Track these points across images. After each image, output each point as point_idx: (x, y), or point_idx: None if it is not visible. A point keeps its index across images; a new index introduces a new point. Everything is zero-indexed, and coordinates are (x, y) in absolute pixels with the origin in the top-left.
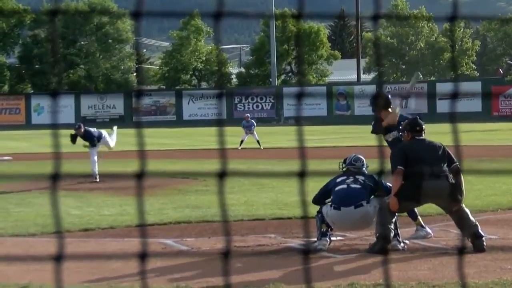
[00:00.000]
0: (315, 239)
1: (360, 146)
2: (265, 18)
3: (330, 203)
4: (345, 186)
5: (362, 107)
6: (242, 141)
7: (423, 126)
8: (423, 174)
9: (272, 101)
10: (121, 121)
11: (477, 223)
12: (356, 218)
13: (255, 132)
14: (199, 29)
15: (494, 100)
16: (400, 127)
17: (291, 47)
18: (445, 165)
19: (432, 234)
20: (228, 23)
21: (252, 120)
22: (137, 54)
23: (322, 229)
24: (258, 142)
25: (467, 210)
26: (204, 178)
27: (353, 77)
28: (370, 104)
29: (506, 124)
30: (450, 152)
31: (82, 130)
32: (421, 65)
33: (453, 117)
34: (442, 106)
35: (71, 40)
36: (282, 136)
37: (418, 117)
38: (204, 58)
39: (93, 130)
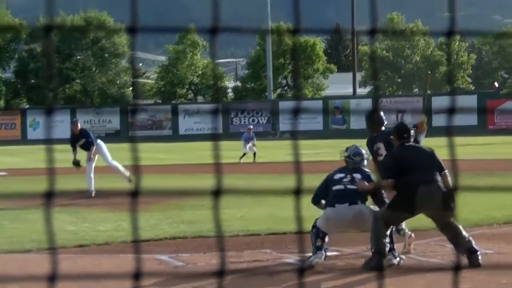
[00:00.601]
0: (311, 254)
1: None
2: (261, 33)
3: (325, 205)
4: (342, 186)
5: (358, 121)
6: (244, 154)
7: (411, 132)
8: (416, 183)
9: (268, 115)
10: (117, 136)
11: (470, 238)
12: (350, 215)
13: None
14: (195, 43)
15: (489, 114)
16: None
17: (287, 61)
18: (437, 172)
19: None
20: (224, 37)
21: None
22: (133, 69)
23: (318, 244)
24: (254, 154)
25: (460, 226)
26: (199, 194)
27: (349, 91)
28: (366, 122)
29: (502, 137)
30: (439, 159)
31: (79, 127)
32: (416, 79)
33: (449, 131)
34: (438, 120)
35: (67, 54)
36: (278, 150)
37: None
38: (200, 72)
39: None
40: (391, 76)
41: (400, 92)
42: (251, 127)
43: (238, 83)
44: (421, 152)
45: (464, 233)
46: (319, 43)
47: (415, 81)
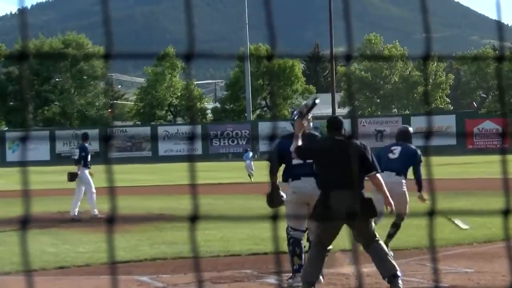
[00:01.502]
0: (290, 274)
1: None
2: (237, 59)
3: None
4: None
5: None
6: (250, 174)
7: (341, 124)
8: (327, 186)
9: (248, 136)
10: (97, 158)
11: (395, 264)
12: (313, 187)
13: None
14: (174, 65)
15: (468, 134)
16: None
17: (266, 82)
18: (358, 171)
19: None
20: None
21: None
22: (111, 91)
23: (295, 266)
24: (251, 174)
25: (385, 247)
26: (180, 214)
27: (328, 111)
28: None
29: (481, 157)
30: (373, 157)
31: (87, 143)
32: (395, 99)
33: (426, 151)
34: (417, 140)
35: (45, 77)
36: (258, 171)
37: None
38: (179, 94)
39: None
40: (370, 96)
41: (379, 113)
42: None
43: (217, 104)
44: (344, 148)
45: (389, 256)
46: (298, 64)
47: (394, 102)
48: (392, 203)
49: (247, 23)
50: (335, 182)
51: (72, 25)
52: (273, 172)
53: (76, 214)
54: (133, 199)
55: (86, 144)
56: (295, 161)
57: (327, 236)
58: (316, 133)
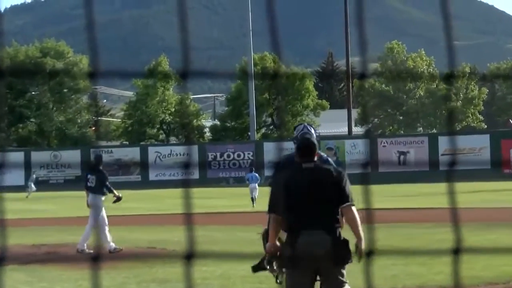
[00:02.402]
0: None
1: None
2: (238, 77)
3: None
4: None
5: (355, 165)
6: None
7: (313, 149)
8: (296, 227)
9: (251, 158)
10: (78, 183)
11: None
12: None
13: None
14: (167, 76)
15: (504, 156)
16: None
17: (273, 96)
18: (332, 206)
19: None
20: (200, 68)
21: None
22: (95, 106)
23: None
24: (254, 199)
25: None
26: (173, 248)
27: (344, 130)
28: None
29: None
30: (348, 186)
31: (101, 166)
32: (421, 116)
33: (450, 176)
34: (446, 162)
35: (20, 90)
36: (263, 199)
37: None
38: (173, 109)
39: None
40: (392, 113)
41: (402, 132)
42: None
43: (217, 122)
44: (312, 177)
45: None
46: (309, 76)
47: (419, 119)
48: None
49: (250, 29)
50: (304, 221)
51: (50, 30)
52: (273, 210)
53: (85, 248)
54: (120, 230)
55: (101, 167)
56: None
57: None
58: (330, 161)
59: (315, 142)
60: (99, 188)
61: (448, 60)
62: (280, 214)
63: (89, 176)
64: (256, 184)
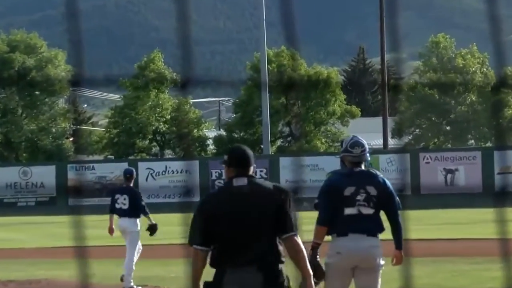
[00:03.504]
0: None
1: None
2: (247, 86)
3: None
4: (355, 211)
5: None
6: None
7: (247, 160)
8: (223, 264)
9: (265, 176)
10: (52, 206)
11: None
12: (366, 247)
13: None
14: (162, 76)
15: None
16: None
17: (291, 101)
18: (268, 235)
19: None
20: (203, 63)
21: None
22: (74, 112)
23: None
24: None
25: None
26: (168, 286)
27: (379, 142)
28: None
29: None
30: (292, 210)
31: (132, 182)
32: (472, 126)
33: (504, 199)
34: (502, 183)
35: None
36: None
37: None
38: (168, 117)
39: None
40: (437, 122)
41: (449, 145)
42: None
43: (222, 132)
44: (244, 197)
45: None
46: (336, 76)
47: (470, 130)
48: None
49: (264, 19)
50: (232, 254)
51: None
52: (320, 223)
53: (132, 285)
54: (104, 263)
55: (131, 185)
56: (349, 210)
57: None
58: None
59: (250, 151)
60: (135, 210)
61: (496, 59)
62: (203, 246)
63: (117, 196)
64: None
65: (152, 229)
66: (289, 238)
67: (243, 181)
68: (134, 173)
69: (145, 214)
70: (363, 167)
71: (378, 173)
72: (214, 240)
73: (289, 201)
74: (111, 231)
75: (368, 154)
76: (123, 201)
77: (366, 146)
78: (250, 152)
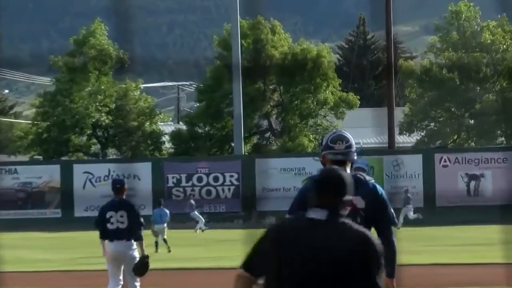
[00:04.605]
0: None
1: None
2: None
3: None
4: None
5: (399, 193)
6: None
7: (339, 184)
8: None
9: (236, 182)
10: None
11: None
12: None
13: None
14: (105, 54)
15: None
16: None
17: (270, 86)
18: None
19: None
20: (155, 34)
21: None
22: None
23: None
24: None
25: None
26: None
27: (383, 139)
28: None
29: None
30: (380, 263)
31: (124, 194)
32: (501, 119)
33: None
34: None
35: None
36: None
37: None
38: (113, 106)
39: None
40: (458, 114)
41: (473, 144)
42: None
43: (182, 125)
44: (319, 238)
45: None
46: (329, 55)
47: (499, 124)
48: None
49: None
50: None
51: None
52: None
53: None
54: None
55: (124, 197)
56: None
57: None
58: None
59: (345, 175)
60: (133, 231)
61: None
62: (256, 276)
63: (110, 213)
64: (165, 225)
65: (142, 264)
66: None
67: (321, 215)
68: (126, 183)
69: (139, 238)
70: (348, 170)
71: (368, 178)
72: (273, 279)
73: (379, 253)
74: (105, 254)
75: (355, 154)
76: (119, 219)
77: (353, 142)
78: (345, 176)
